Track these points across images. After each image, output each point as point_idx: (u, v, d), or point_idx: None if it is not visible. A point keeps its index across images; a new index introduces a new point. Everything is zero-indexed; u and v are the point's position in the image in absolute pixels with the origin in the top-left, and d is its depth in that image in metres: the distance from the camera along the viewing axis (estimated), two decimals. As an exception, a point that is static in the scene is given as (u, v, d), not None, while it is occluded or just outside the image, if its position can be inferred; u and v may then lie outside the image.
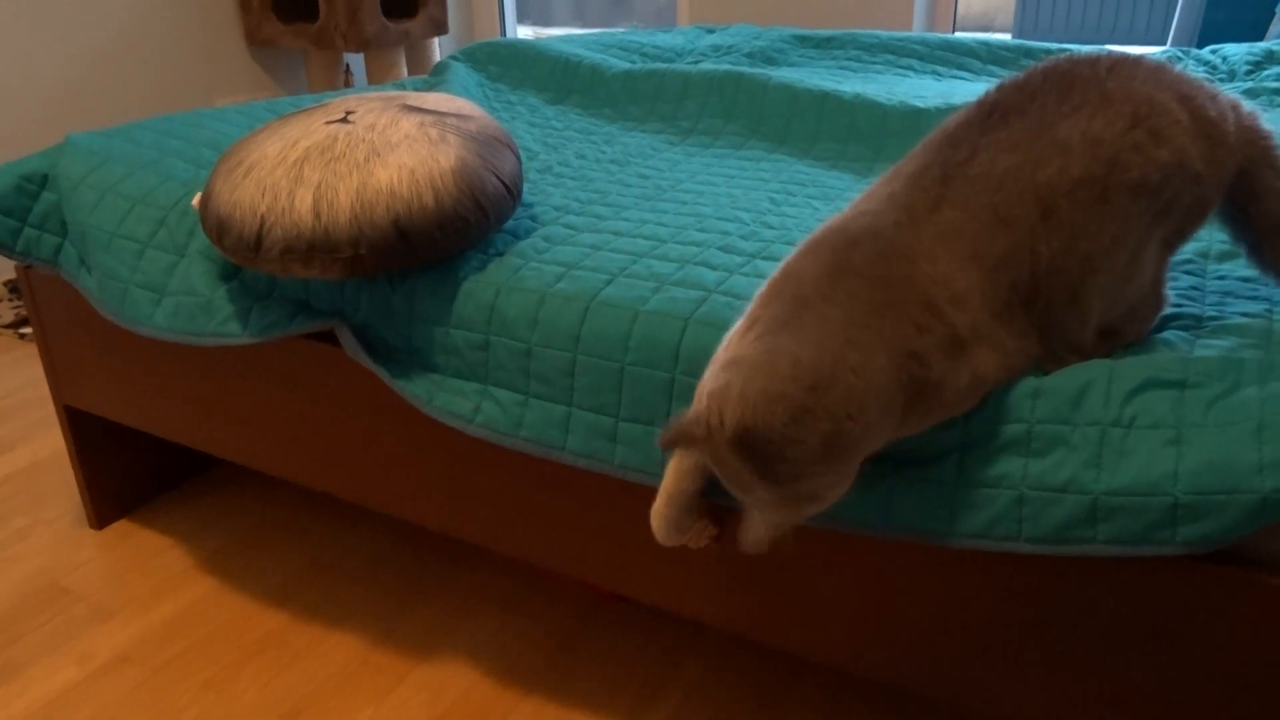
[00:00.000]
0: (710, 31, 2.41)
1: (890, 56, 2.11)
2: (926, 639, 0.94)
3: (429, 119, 1.17)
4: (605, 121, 1.75)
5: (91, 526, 1.63)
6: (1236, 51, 1.93)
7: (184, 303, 1.23)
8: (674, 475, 0.90)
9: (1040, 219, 0.80)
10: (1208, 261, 1.07)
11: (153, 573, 1.52)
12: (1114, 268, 0.82)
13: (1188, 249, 1.09)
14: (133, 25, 2.85)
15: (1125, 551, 0.79)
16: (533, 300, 1.04)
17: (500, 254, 1.12)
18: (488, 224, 1.11)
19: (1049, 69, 0.86)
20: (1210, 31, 3.66)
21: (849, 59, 2.12)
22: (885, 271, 0.79)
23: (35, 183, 1.39)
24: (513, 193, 1.15)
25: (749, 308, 0.83)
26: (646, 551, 1.06)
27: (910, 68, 2.07)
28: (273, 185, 1.08)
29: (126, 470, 1.66)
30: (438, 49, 3.52)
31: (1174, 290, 0.97)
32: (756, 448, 0.74)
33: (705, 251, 1.10)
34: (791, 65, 2.11)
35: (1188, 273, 1.04)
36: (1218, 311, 0.93)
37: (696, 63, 2.12)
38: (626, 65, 1.90)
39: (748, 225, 1.19)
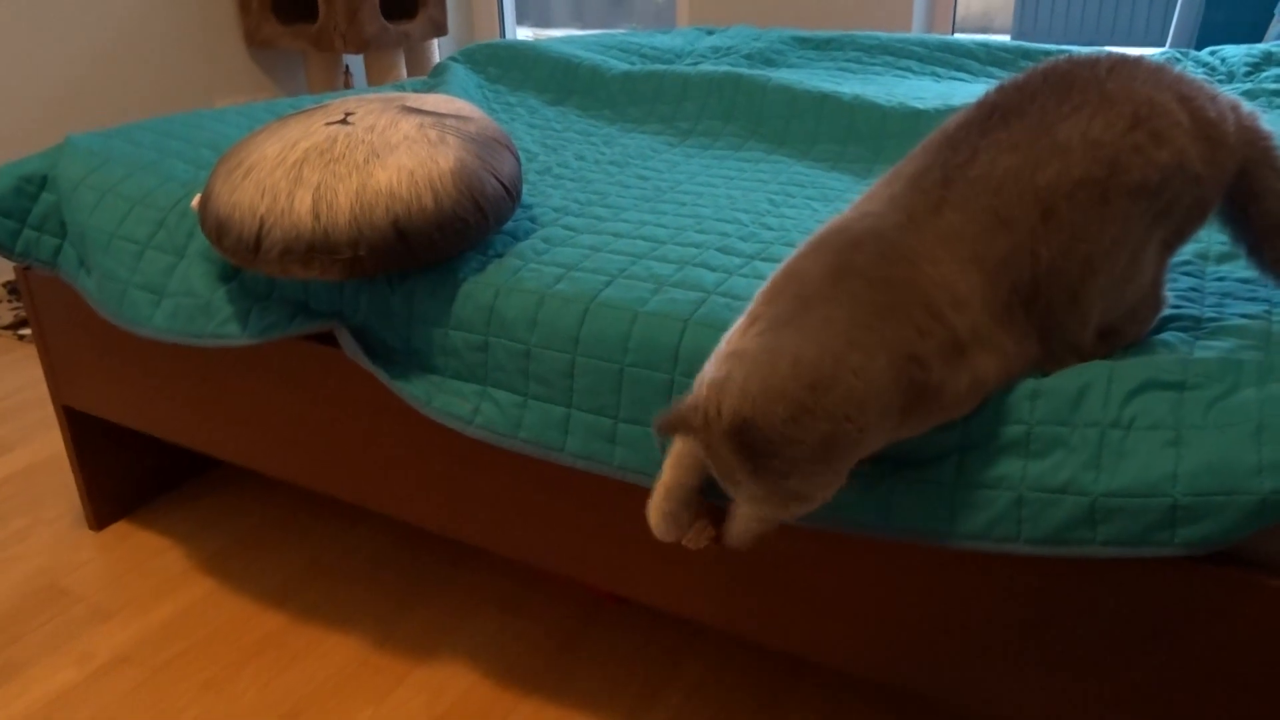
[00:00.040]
0: (709, 33, 2.41)
1: (889, 58, 2.11)
2: (926, 639, 0.94)
3: (428, 120, 1.17)
4: (604, 123, 1.75)
5: (91, 527, 1.63)
6: (1235, 53, 1.94)
7: (183, 304, 1.23)
8: (672, 468, 0.90)
9: (1040, 220, 0.80)
10: (1207, 263, 1.07)
11: (152, 573, 1.52)
12: (1114, 269, 0.82)
13: (1187, 250, 1.09)
14: (132, 26, 2.85)
15: (1124, 553, 0.79)
16: (532, 301, 1.04)
17: (499, 255, 1.12)
18: (487, 225, 1.11)
19: (1049, 70, 0.86)
20: (1209, 33, 3.66)
21: (848, 60, 2.12)
22: (888, 273, 0.79)
23: (34, 184, 1.39)
24: (512, 194, 1.15)
25: (750, 305, 0.83)
26: (646, 552, 1.06)
27: (909, 69, 2.07)
28: (272, 186, 1.08)
29: (126, 471, 1.66)
30: (437, 50, 3.52)
31: (1173, 291, 0.97)
32: (751, 441, 0.74)
33: (704, 253, 1.10)
34: (791, 66, 2.11)
35: (1187, 274, 1.04)
36: (1217, 313, 0.93)
37: (696, 64, 2.12)
38: (626, 66, 1.90)
39: (747, 226, 1.19)
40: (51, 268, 1.39)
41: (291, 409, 1.26)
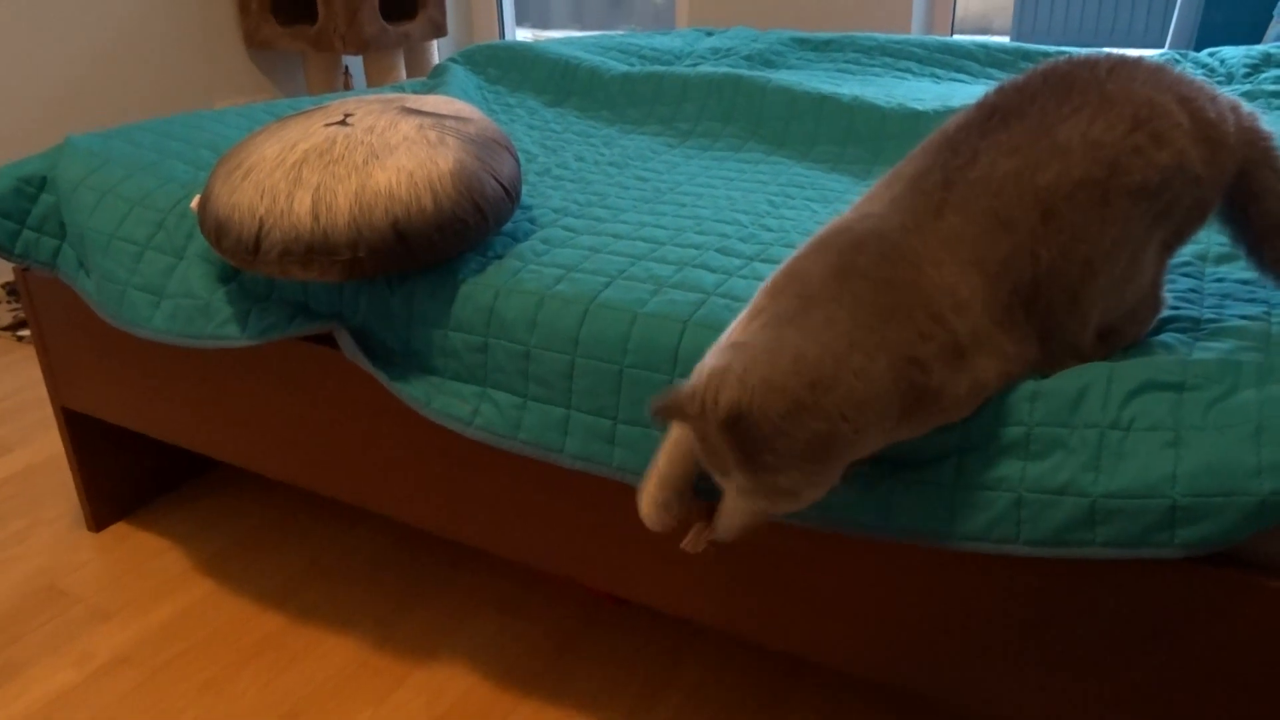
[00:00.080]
0: (709, 34, 2.41)
1: (888, 59, 2.11)
2: (926, 639, 0.94)
3: (428, 121, 1.17)
4: (604, 124, 1.75)
5: (90, 528, 1.63)
6: (1234, 54, 1.94)
7: (182, 305, 1.23)
8: (667, 457, 0.90)
9: (1041, 222, 0.80)
10: (1206, 264, 1.07)
11: (151, 574, 1.52)
12: (1114, 270, 0.82)
13: (1186, 251, 1.09)
14: (132, 26, 2.85)
15: (1123, 554, 0.79)
16: (531, 302, 1.04)
17: (499, 256, 1.12)
18: (486, 226, 1.11)
19: (1048, 71, 0.86)
20: (1208, 34, 3.67)
21: (847, 61, 2.12)
22: (891, 275, 0.79)
23: (34, 185, 1.39)
24: (511, 195, 1.15)
25: (753, 300, 0.83)
26: (645, 553, 1.06)
27: (909, 70, 2.07)
28: (271, 187, 1.08)
29: (125, 472, 1.66)
30: (436, 51, 3.52)
31: (1172, 293, 0.97)
32: (746, 433, 0.74)
33: (704, 254, 1.10)
34: (790, 68, 2.11)
35: (1186, 275, 1.04)
36: (1216, 314, 0.93)
37: (695, 65, 2.12)
38: (625, 68, 1.90)
39: (746, 228, 1.19)
40: (51, 269, 1.39)
41: (291, 410, 1.26)
